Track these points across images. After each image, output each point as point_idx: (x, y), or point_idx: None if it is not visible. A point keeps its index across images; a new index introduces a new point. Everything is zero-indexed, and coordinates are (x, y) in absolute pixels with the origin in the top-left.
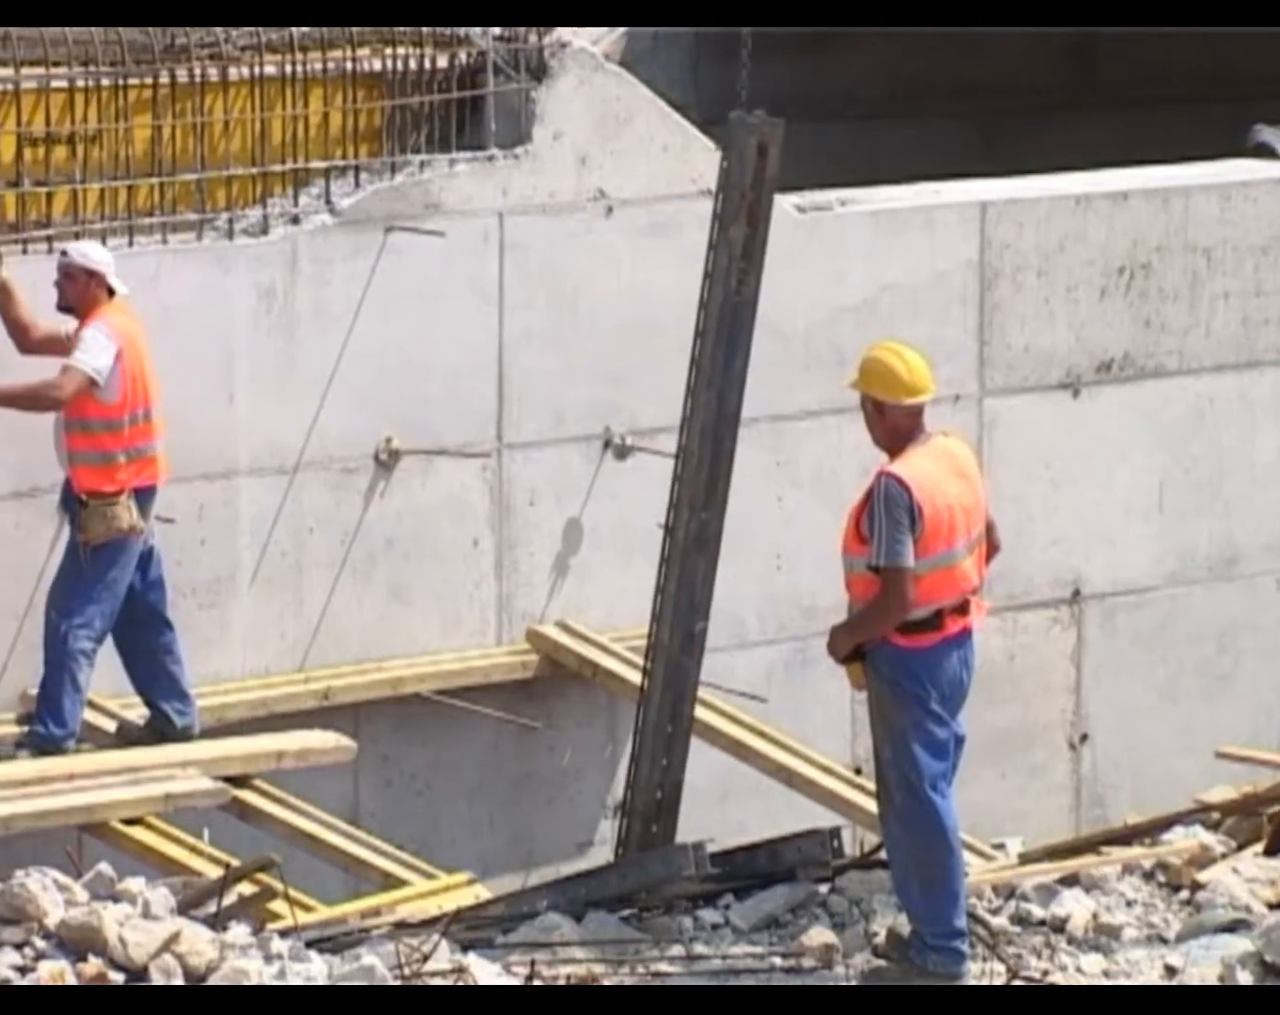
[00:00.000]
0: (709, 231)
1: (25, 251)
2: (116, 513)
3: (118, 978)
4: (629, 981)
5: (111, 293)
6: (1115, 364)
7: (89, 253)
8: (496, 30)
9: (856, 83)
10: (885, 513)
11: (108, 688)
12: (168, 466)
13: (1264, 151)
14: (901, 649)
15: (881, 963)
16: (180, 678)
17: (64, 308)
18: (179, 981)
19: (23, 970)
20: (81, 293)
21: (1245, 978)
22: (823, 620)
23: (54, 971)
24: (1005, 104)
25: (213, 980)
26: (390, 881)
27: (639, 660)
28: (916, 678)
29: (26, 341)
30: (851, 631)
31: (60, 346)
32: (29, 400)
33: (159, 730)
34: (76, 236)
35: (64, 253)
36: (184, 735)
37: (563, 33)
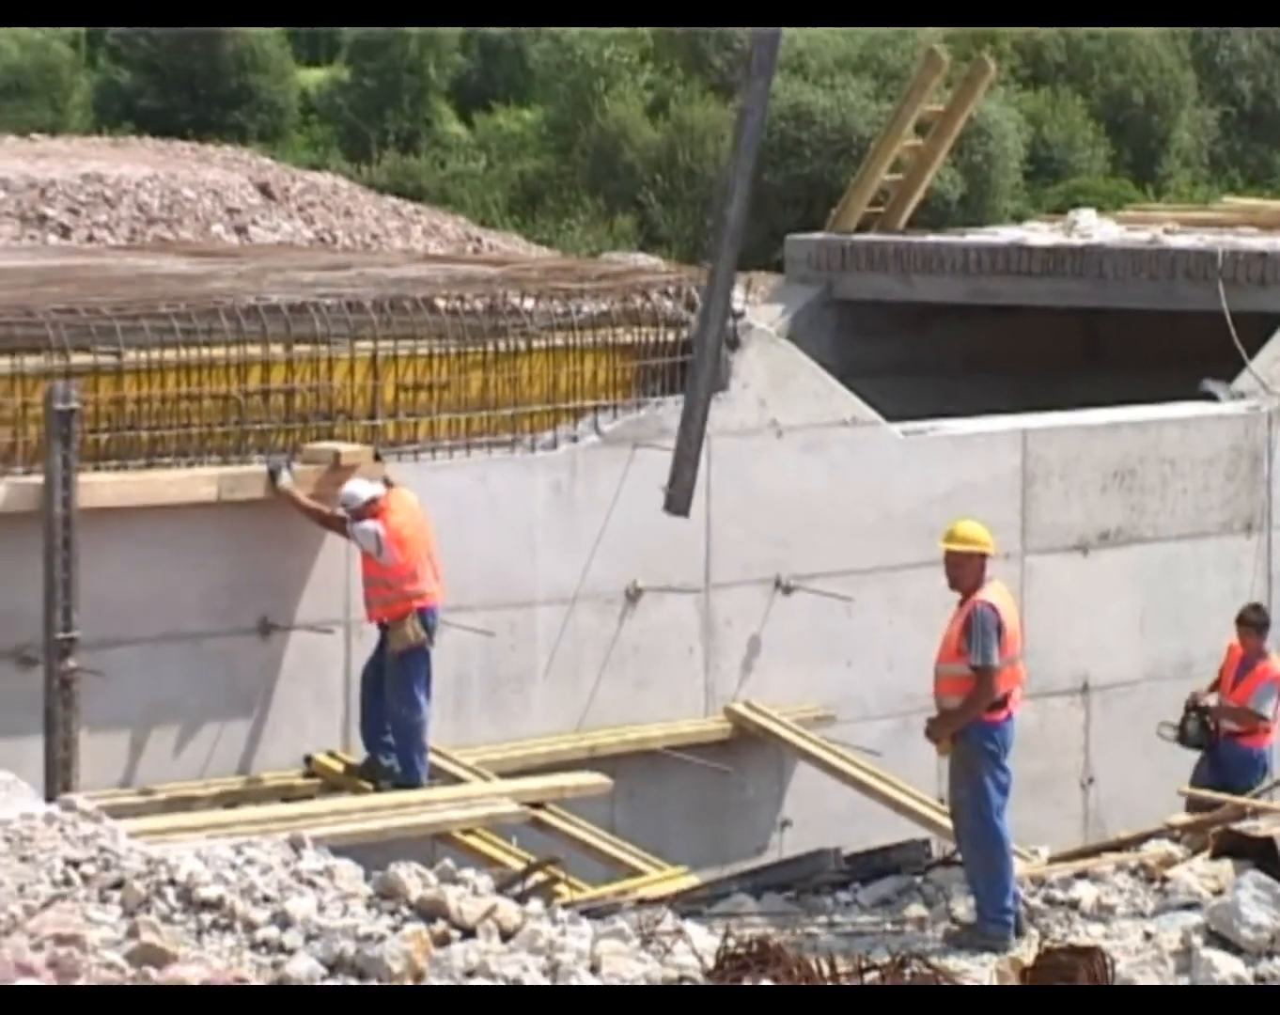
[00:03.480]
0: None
1: (400, 459)
2: (406, 632)
3: (455, 934)
4: (790, 941)
5: (377, 503)
6: (1111, 534)
7: (349, 494)
8: None
9: (942, 351)
10: (982, 629)
11: (448, 740)
12: (443, 597)
13: (1209, 398)
14: (988, 722)
15: (955, 927)
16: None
17: (352, 514)
18: (496, 938)
19: (394, 929)
20: (350, 513)
21: (1197, 941)
22: (918, 703)
23: (414, 930)
24: (1039, 365)
25: (516, 939)
26: (634, 872)
27: (801, 730)
28: (996, 741)
29: (324, 521)
30: (959, 717)
31: (342, 527)
32: (321, 517)
33: (371, 769)
34: (433, 452)
35: (343, 495)
36: (386, 774)
37: (750, 317)
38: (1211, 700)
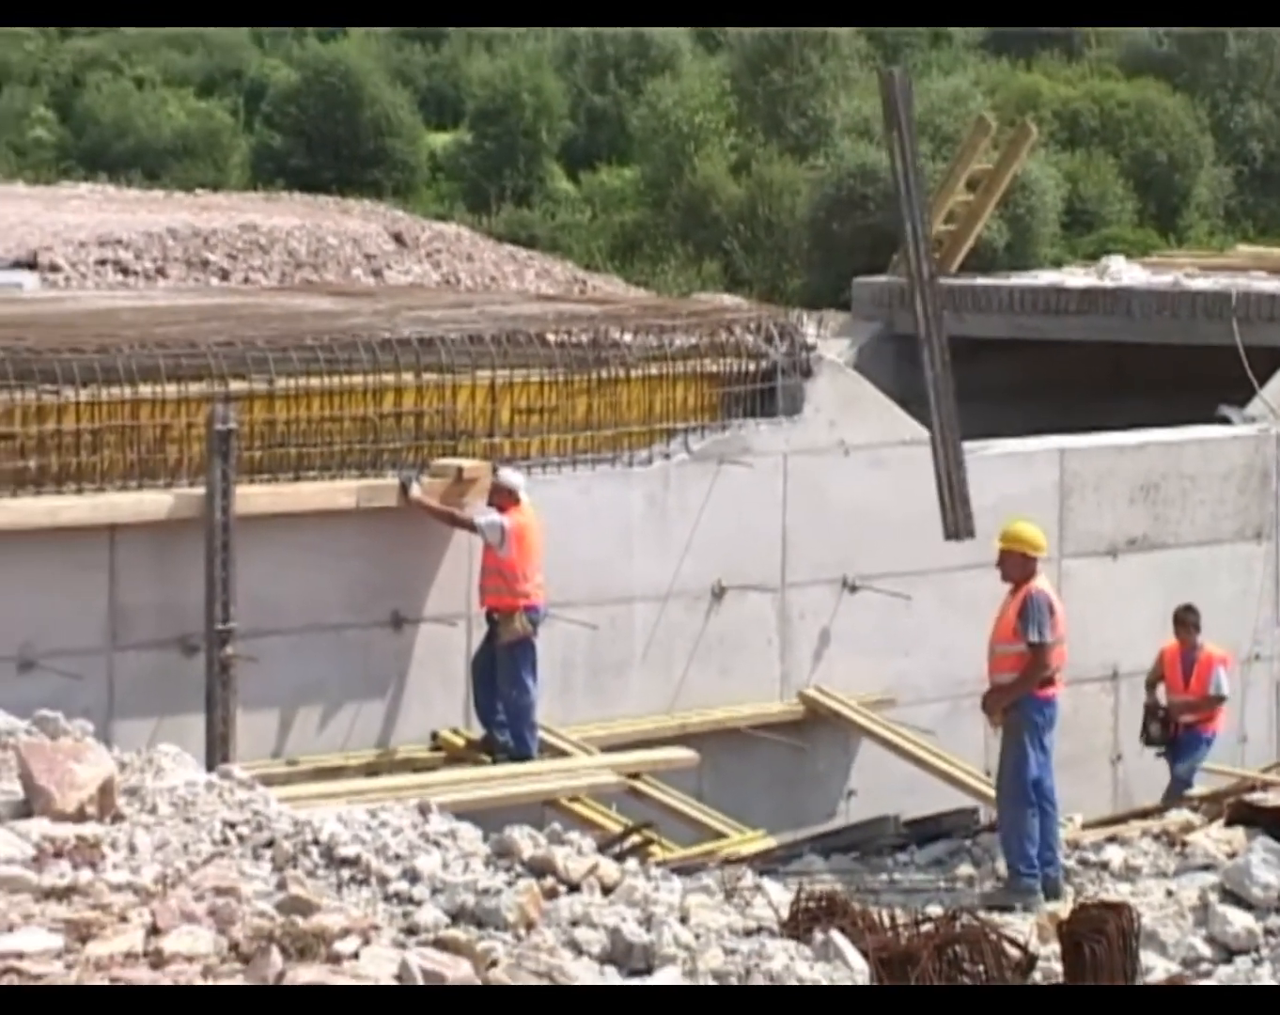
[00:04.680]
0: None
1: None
2: (514, 626)
3: (562, 889)
4: (855, 895)
5: (517, 499)
6: (1137, 541)
7: (506, 477)
8: (784, 348)
9: (989, 380)
10: (1036, 610)
11: (556, 718)
12: (549, 597)
13: (1224, 421)
14: (1038, 697)
15: (999, 883)
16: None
17: (491, 504)
18: (598, 892)
19: (509, 884)
20: (492, 496)
21: (1213, 898)
22: (967, 688)
23: (526, 886)
24: (1074, 393)
25: (616, 893)
26: (719, 835)
27: (865, 711)
28: (1044, 714)
29: (452, 521)
30: (1012, 690)
31: (469, 524)
32: (449, 519)
33: (488, 744)
34: (544, 467)
35: (494, 471)
36: (500, 749)
37: (821, 350)
38: (1161, 698)
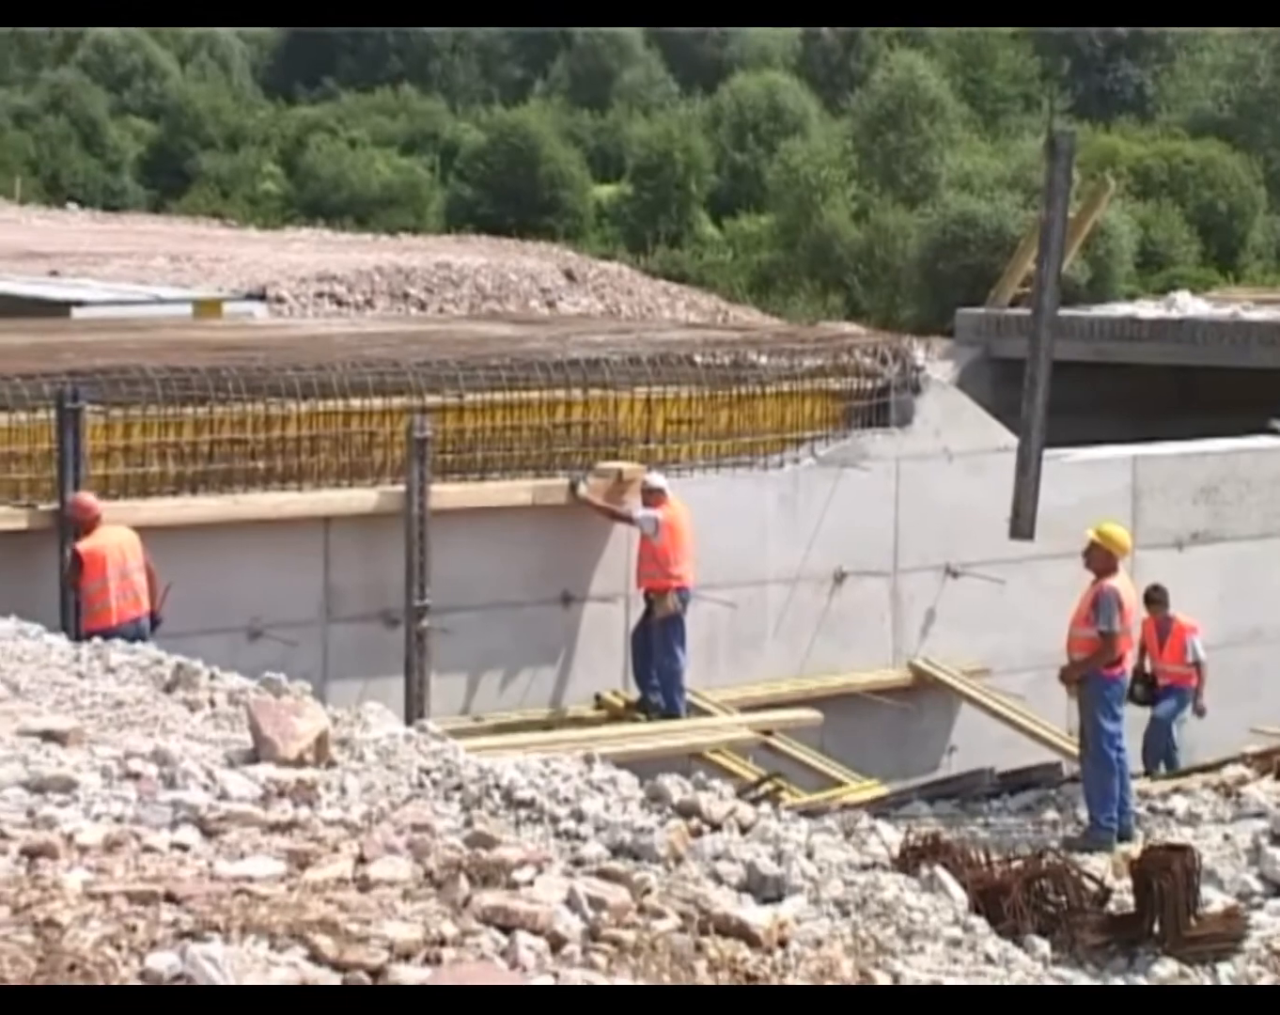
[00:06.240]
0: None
1: (666, 475)
2: (666, 604)
3: (706, 828)
4: (955, 837)
5: (665, 496)
6: (1199, 535)
7: (652, 479)
8: (897, 369)
9: (1073, 397)
10: (1107, 603)
11: (700, 683)
12: (694, 579)
13: (1274, 433)
14: (1106, 676)
15: (1079, 829)
16: (658, 680)
17: (645, 504)
18: (736, 832)
19: (661, 823)
20: (644, 496)
21: (1264, 841)
22: (1052, 660)
23: (675, 825)
24: (1144, 409)
25: (751, 832)
26: (839, 784)
27: (965, 679)
28: (1112, 692)
29: (613, 516)
30: (1082, 666)
31: (628, 518)
32: (611, 514)
33: (643, 705)
34: (692, 470)
35: (644, 480)
36: (654, 708)
37: (928, 371)
38: (1147, 666)
